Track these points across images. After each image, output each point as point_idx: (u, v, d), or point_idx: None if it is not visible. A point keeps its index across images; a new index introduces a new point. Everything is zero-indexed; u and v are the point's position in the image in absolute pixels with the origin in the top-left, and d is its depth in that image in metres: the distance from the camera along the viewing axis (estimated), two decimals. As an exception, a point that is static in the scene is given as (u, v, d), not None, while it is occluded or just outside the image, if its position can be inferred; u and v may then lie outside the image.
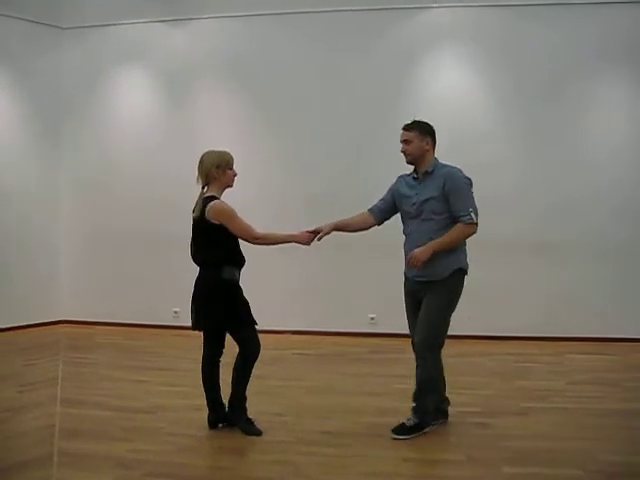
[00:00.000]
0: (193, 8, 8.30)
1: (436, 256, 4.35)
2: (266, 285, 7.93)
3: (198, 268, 4.55)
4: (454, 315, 4.54)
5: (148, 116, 8.51)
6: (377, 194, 7.18)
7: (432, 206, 4.42)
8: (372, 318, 7.87)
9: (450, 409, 4.77)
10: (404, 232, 4.68)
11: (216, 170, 4.47)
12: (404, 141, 4.56)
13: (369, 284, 7.80)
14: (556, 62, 7.63)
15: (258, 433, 4.45)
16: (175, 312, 8.03)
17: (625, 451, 4.17)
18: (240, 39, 8.20)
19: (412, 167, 4.63)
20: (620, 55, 7.59)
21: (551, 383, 5.67)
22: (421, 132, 4.52)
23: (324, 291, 7.95)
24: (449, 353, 6.29)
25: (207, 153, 4.52)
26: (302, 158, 8.07)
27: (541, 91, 7.66)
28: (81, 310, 8.57)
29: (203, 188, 4.54)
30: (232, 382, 4.53)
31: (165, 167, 8.30)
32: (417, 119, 4.61)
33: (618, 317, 7.45)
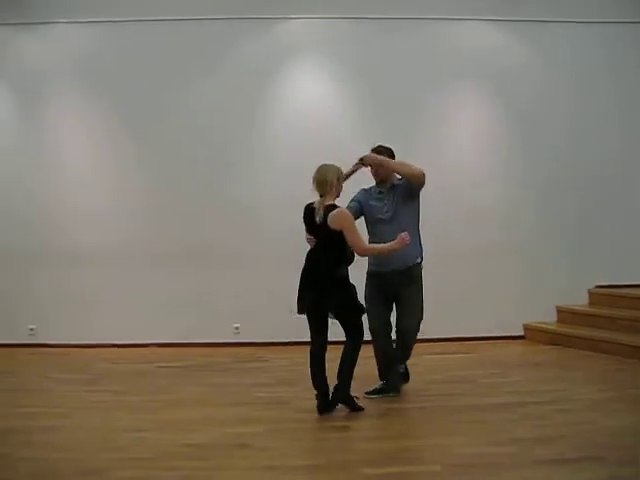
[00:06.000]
0: (43, 12, 7.92)
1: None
2: (132, 299, 7.73)
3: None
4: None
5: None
6: (237, 205, 7.05)
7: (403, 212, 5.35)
8: (236, 328, 7.83)
9: (308, 415, 4.95)
10: (374, 237, 5.39)
11: (337, 182, 4.95)
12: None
13: (233, 294, 7.78)
14: (412, 74, 7.96)
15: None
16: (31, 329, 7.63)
17: (479, 443, 4.35)
18: (93, 46, 7.94)
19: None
20: (469, 70, 8.07)
21: (409, 383, 5.79)
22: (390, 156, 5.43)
23: (189, 303, 7.80)
24: (299, 361, 6.36)
25: (326, 166, 4.96)
26: (157, 167, 7.93)
27: (398, 102, 7.93)
28: None
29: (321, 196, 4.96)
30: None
31: (15, 178, 7.96)
32: (381, 144, 5.44)
33: (471, 318, 7.80)
